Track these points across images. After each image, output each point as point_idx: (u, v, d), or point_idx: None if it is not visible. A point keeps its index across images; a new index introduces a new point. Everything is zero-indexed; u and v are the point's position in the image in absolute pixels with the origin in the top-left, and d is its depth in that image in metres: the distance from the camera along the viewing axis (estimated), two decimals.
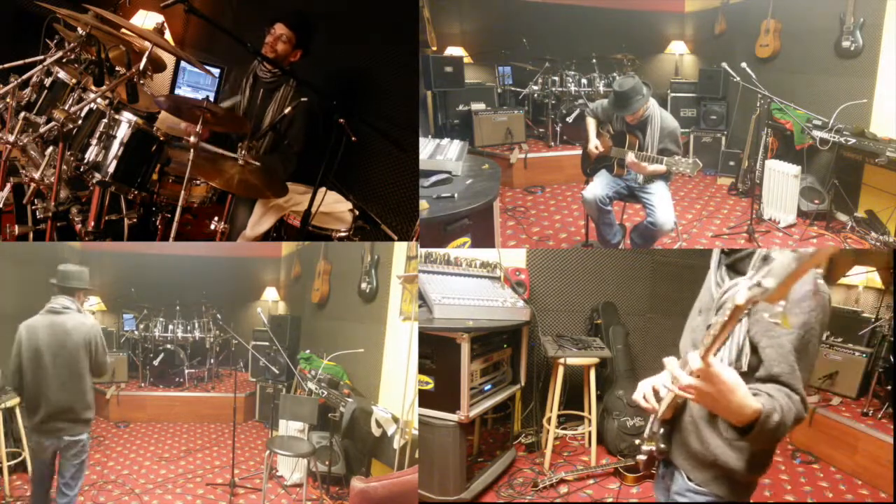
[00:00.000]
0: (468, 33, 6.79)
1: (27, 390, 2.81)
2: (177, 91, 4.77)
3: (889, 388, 3.98)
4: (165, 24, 4.88)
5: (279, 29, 3.63)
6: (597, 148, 3.94)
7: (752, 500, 3.23)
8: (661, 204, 3.73)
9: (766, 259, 1.59)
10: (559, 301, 4.57)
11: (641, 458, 1.71)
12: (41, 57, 3.09)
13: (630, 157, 3.64)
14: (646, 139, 3.69)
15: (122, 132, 3.01)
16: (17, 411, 3.85)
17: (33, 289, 5.06)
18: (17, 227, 3.11)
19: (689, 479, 1.66)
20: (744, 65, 4.32)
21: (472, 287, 3.76)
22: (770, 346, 1.46)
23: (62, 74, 3.14)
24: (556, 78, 6.38)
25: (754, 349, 1.49)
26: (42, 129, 2.81)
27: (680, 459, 1.69)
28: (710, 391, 1.31)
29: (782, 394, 1.42)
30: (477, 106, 6.17)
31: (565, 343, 3.92)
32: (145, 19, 4.80)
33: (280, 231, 3.74)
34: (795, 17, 5.37)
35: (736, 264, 1.64)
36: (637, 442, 1.74)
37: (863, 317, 4.53)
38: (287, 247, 6.65)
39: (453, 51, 6.52)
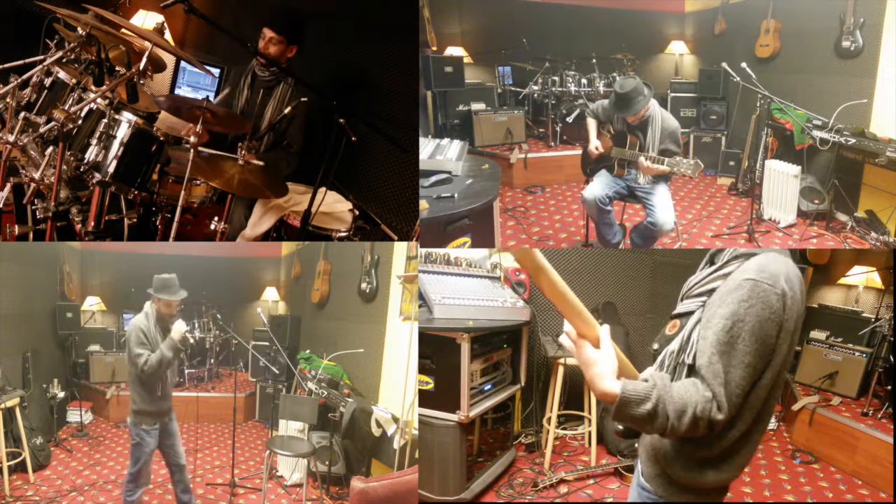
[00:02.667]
0: (468, 33, 6.79)
1: None
2: (177, 91, 4.77)
3: (889, 388, 3.98)
4: (165, 24, 4.88)
5: (267, 33, 3.65)
6: (597, 148, 3.93)
7: (752, 501, 3.19)
8: (662, 204, 3.73)
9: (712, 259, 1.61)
10: None
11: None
12: (41, 57, 3.10)
13: (643, 160, 3.63)
14: (646, 140, 3.69)
15: (122, 132, 3.01)
16: (17, 411, 3.85)
17: (33, 289, 5.08)
18: (17, 227, 3.11)
19: (642, 474, 1.62)
20: (744, 65, 4.32)
21: (472, 287, 3.76)
22: (701, 339, 1.42)
23: (62, 74, 3.14)
24: (556, 78, 6.38)
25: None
26: (42, 129, 2.81)
27: (640, 450, 1.65)
28: (578, 356, 1.40)
29: (695, 388, 1.35)
30: (477, 106, 6.17)
31: None
32: (145, 19, 4.80)
33: (280, 231, 3.74)
34: (795, 17, 5.37)
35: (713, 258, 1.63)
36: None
37: (863, 317, 4.53)
38: (287, 247, 6.65)
39: (453, 51, 6.52)
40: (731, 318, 1.37)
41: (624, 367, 1.49)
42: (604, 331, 1.40)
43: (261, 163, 3.19)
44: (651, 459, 1.58)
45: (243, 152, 3.16)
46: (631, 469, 3.65)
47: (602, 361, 1.36)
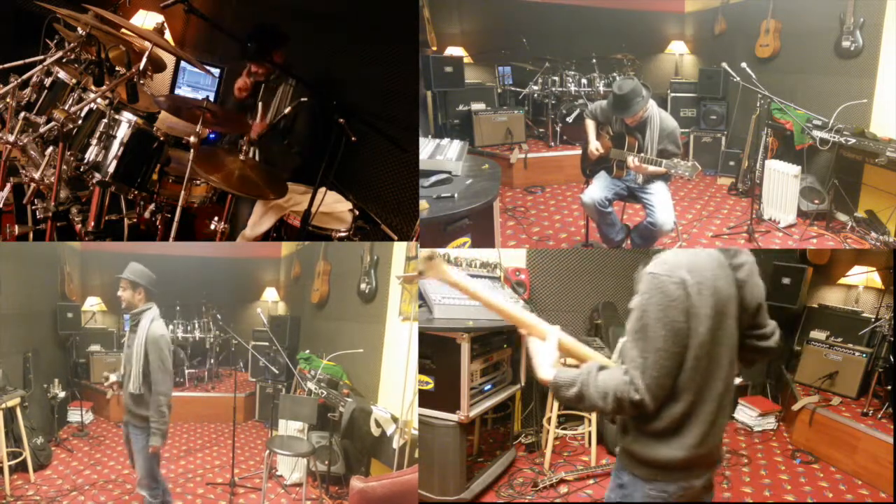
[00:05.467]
0: (468, 33, 6.79)
1: None
2: (177, 91, 4.77)
3: (889, 388, 3.98)
4: (165, 24, 4.89)
5: (252, 66, 3.74)
6: (598, 150, 3.93)
7: (752, 501, 3.20)
8: (661, 204, 3.73)
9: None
10: (559, 301, 4.56)
11: None
12: (41, 57, 3.10)
13: (631, 160, 3.63)
14: (645, 140, 3.68)
15: (122, 132, 3.01)
16: (18, 411, 3.86)
17: (34, 289, 5.08)
18: (17, 227, 3.11)
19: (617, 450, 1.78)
20: (744, 65, 4.32)
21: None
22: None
23: (62, 74, 3.15)
24: (556, 78, 6.37)
25: None
26: (42, 129, 2.82)
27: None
28: (528, 348, 1.71)
29: (619, 372, 1.54)
30: (477, 106, 6.17)
31: None
32: (145, 19, 4.80)
33: (280, 231, 3.74)
34: (795, 17, 5.37)
35: None
36: None
37: (863, 317, 4.53)
38: (287, 247, 6.65)
39: (453, 51, 6.52)
40: (638, 309, 1.55)
41: (581, 356, 1.71)
42: (552, 329, 1.69)
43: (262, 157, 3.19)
44: (617, 435, 1.73)
45: (245, 147, 3.16)
46: None
47: (541, 353, 1.66)
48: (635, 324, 1.54)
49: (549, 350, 1.66)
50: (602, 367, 1.59)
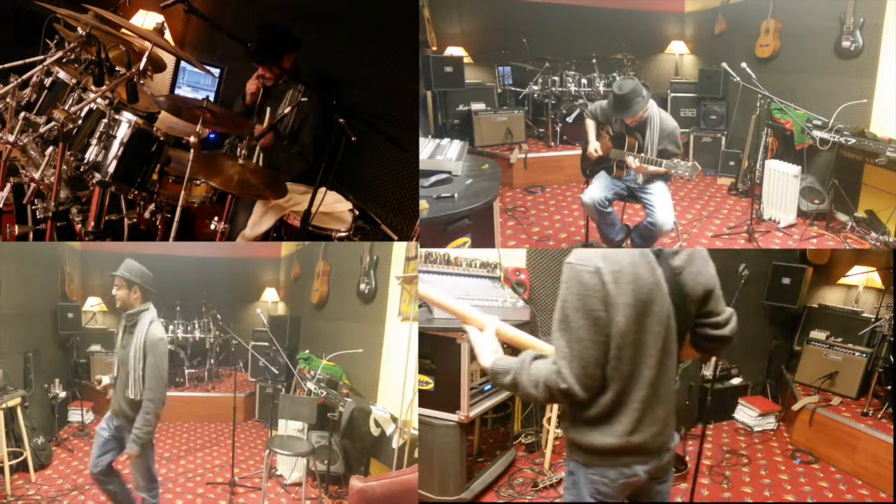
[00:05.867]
0: (468, 33, 6.79)
1: None
2: (177, 91, 4.77)
3: (889, 388, 3.98)
4: (165, 24, 4.89)
5: (260, 70, 3.71)
6: (597, 150, 3.93)
7: (752, 501, 3.21)
8: (661, 204, 3.73)
9: None
10: None
11: None
12: (41, 57, 3.11)
13: (632, 160, 3.63)
14: (645, 140, 3.68)
15: (122, 132, 3.02)
16: (19, 411, 3.86)
17: (34, 289, 5.08)
18: (17, 227, 3.11)
19: None
20: (744, 65, 4.32)
21: (472, 287, 3.76)
22: None
23: (62, 74, 3.15)
24: (556, 78, 6.37)
25: None
26: (42, 129, 2.82)
27: None
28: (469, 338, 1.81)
29: (549, 362, 1.57)
30: (477, 106, 6.17)
31: None
32: (145, 19, 4.80)
33: (280, 231, 3.75)
34: (795, 17, 5.37)
35: None
36: None
37: (863, 317, 4.53)
38: (287, 247, 6.65)
39: (453, 51, 6.52)
40: (560, 300, 1.58)
41: (522, 344, 1.78)
42: (491, 320, 1.79)
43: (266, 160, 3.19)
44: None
45: (243, 151, 3.17)
46: None
47: (481, 342, 1.76)
48: (558, 314, 1.57)
49: (487, 339, 1.75)
50: (538, 357, 1.62)
